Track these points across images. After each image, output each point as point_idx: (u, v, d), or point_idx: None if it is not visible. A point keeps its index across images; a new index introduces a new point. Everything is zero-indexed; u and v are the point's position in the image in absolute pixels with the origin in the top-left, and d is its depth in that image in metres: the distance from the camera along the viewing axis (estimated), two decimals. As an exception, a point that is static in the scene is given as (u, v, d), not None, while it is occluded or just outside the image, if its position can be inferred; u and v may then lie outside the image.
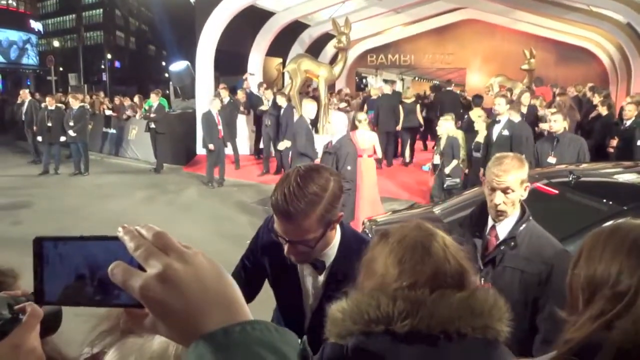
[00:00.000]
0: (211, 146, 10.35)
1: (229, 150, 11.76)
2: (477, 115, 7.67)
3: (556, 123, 6.32)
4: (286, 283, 1.87)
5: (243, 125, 13.12)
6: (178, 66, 13.97)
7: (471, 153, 7.61)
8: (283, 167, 10.33)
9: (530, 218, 2.30)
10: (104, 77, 39.39)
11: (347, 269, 1.56)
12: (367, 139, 7.12)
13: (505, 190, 2.28)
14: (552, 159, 6.12)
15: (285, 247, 1.63)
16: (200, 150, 12.28)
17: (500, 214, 2.32)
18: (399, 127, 12.37)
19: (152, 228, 0.60)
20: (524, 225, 2.28)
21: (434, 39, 21.13)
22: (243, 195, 9.79)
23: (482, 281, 2.26)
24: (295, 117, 9.35)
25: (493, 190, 2.29)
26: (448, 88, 13.30)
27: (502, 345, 1.23)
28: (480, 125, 7.58)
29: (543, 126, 8.47)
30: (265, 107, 11.64)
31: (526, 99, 9.70)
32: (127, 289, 0.55)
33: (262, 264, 1.93)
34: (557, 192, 3.55)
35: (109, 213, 8.28)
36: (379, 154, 7.52)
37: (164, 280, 0.55)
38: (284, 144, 10.07)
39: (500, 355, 1.22)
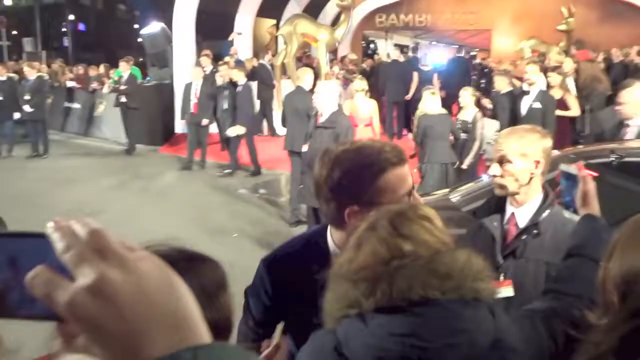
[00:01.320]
0: (182, 122, 10.82)
1: (213, 127, 11.76)
2: (470, 94, 7.57)
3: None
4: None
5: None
6: (151, 29, 13.90)
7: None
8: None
9: (556, 203, 2.32)
10: (66, 42, 39.17)
11: None
12: (367, 108, 7.68)
13: (501, 160, 2.31)
14: None
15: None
16: (179, 129, 12.28)
17: (500, 189, 2.36)
18: (408, 97, 12.48)
19: (88, 224, 0.55)
20: (547, 211, 2.29)
21: (454, -5, 21.00)
22: (230, 180, 9.82)
23: (503, 277, 2.27)
24: (291, 88, 9.30)
25: (492, 161, 2.39)
26: (458, 54, 13.28)
27: (485, 303, 1.34)
28: (466, 101, 7.48)
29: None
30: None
31: (569, 65, 9.53)
32: (52, 303, 0.52)
33: (285, 308, 1.86)
34: (596, 174, 3.54)
35: (72, 202, 8.29)
36: (376, 126, 7.90)
37: (97, 294, 0.51)
38: (235, 130, 9.84)
39: (477, 314, 1.32)
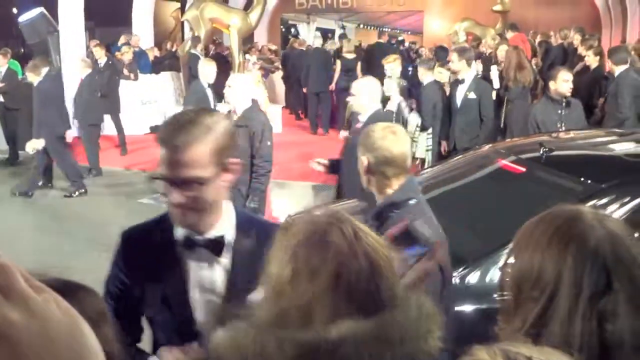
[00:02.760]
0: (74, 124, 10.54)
1: (111, 129, 11.59)
2: (393, 82, 7.72)
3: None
4: (171, 292, 2.01)
5: (134, 94, 12.98)
6: (29, 15, 13.47)
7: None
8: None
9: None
10: None
11: (253, 252, 1.80)
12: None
13: None
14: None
15: (174, 196, 1.82)
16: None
17: None
18: (332, 87, 12.94)
19: None
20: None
21: (382, -26, 21.40)
22: (130, 189, 9.69)
23: None
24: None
25: None
26: (379, 40, 13.87)
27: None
28: (389, 87, 7.60)
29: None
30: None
31: (502, 52, 9.96)
32: None
33: (136, 290, 2.04)
34: (524, 169, 3.76)
35: None
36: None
37: None
38: (34, 144, 9.14)
39: None
